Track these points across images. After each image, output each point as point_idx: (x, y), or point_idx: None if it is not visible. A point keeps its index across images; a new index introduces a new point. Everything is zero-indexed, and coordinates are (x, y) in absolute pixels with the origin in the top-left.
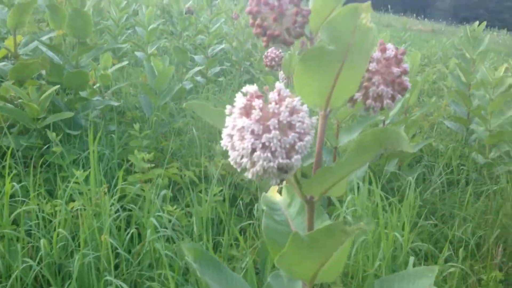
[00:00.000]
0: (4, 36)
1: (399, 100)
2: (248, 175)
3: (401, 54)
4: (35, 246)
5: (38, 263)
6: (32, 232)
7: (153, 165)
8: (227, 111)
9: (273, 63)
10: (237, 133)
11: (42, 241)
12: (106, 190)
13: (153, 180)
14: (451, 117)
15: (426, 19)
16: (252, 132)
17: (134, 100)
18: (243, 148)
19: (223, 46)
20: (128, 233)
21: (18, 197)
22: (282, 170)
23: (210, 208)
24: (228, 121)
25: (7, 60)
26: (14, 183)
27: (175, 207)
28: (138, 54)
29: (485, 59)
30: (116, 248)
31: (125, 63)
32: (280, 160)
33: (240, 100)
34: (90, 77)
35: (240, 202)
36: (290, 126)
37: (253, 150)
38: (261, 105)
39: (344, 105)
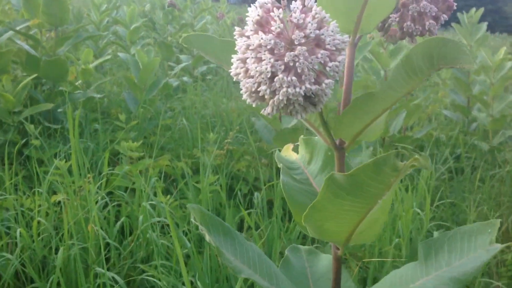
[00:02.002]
0: None
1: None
2: (267, 110)
3: None
4: (14, 242)
5: (20, 258)
6: (11, 225)
7: (142, 153)
8: (236, 33)
9: None
10: (252, 54)
11: (19, 230)
12: (91, 180)
13: (143, 172)
14: (449, 107)
15: None
16: (272, 50)
17: (118, 99)
18: (261, 72)
19: None
20: (118, 224)
21: None
22: (310, 100)
23: (206, 199)
24: (239, 43)
25: None
26: None
27: (168, 197)
28: (121, 55)
29: (482, 45)
30: (106, 241)
31: (108, 57)
32: (308, 86)
33: (254, 12)
34: (69, 68)
35: (238, 192)
36: (319, 41)
37: (273, 74)
38: (281, 16)
39: (374, 29)
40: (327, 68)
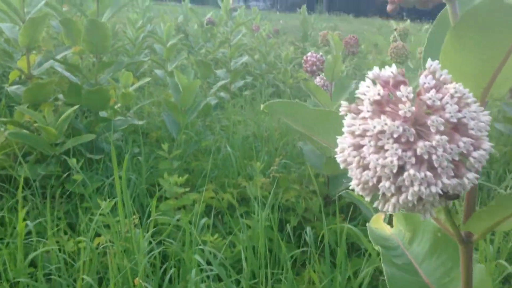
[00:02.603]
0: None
1: None
2: (388, 207)
3: None
4: None
5: None
6: (52, 277)
7: (187, 189)
8: (343, 109)
9: (314, 68)
10: (371, 142)
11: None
12: (136, 221)
13: (188, 206)
14: (501, 119)
15: None
16: (398, 138)
17: (157, 120)
18: (384, 166)
19: (245, 58)
20: (165, 272)
21: (35, 234)
22: (447, 195)
23: (258, 237)
24: (350, 123)
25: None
26: (28, 222)
27: (215, 236)
28: (158, 72)
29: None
30: None
31: (147, 79)
32: (446, 181)
33: (372, 90)
34: (110, 96)
35: (287, 226)
36: (459, 126)
37: (400, 168)
38: (411, 96)
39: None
40: (471, 159)
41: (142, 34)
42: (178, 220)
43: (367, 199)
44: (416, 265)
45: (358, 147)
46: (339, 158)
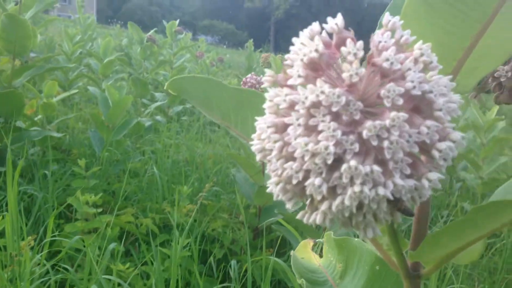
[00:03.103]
0: None
1: None
2: (315, 217)
3: None
4: None
5: None
6: None
7: (100, 210)
8: (266, 79)
9: (253, 89)
10: (301, 118)
11: None
12: (31, 243)
13: (100, 230)
14: None
15: None
16: (338, 115)
17: (82, 137)
18: (315, 153)
19: None
20: None
21: None
22: (399, 206)
23: (175, 267)
24: (274, 96)
25: None
26: None
27: (127, 265)
28: (91, 88)
29: (469, 103)
30: None
31: (74, 91)
32: (399, 181)
33: (307, 46)
34: (25, 102)
35: (212, 258)
36: (422, 105)
37: (337, 158)
38: (360, 54)
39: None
40: (435, 153)
41: (80, 50)
42: (83, 243)
43: (289, 205)
44: None
45: (282, 128)
46: (254, 146)
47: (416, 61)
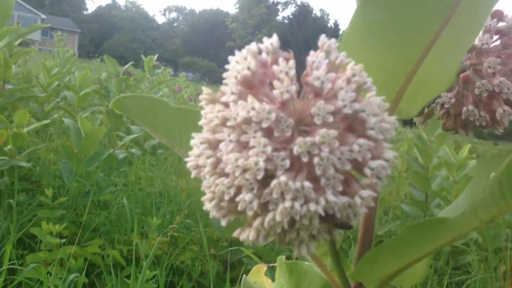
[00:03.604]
0: None
1: None
2: (248, 234)
3: None
4: None
5: None
6: None
7: (64, 240)
8: (204, 97)
9: None
10: (232, 134)
11: None
12: None
13: (64, 261)
14: (408, 201)
15: None
16: (269, 131)
17: (53, 168)
18: (245, 169)
19: None
20: None
21: None
22: (326, 220)
23: None
24: (208, 113)
25: None
26: None
27: None
28: (66, 120)
29: (443, 142)
30: None
31: (46, 121)
32: (331, 197)
33: (240, 63)
34: None
35: None
36: (355, 124)
37: (268, 173)
38: (292, 73)
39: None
40: (367, 170)
41: (57, 82)
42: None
43: (224, 223)
44: None
45: (214, 144)
46: (189, 163)
47: (348, 81)
